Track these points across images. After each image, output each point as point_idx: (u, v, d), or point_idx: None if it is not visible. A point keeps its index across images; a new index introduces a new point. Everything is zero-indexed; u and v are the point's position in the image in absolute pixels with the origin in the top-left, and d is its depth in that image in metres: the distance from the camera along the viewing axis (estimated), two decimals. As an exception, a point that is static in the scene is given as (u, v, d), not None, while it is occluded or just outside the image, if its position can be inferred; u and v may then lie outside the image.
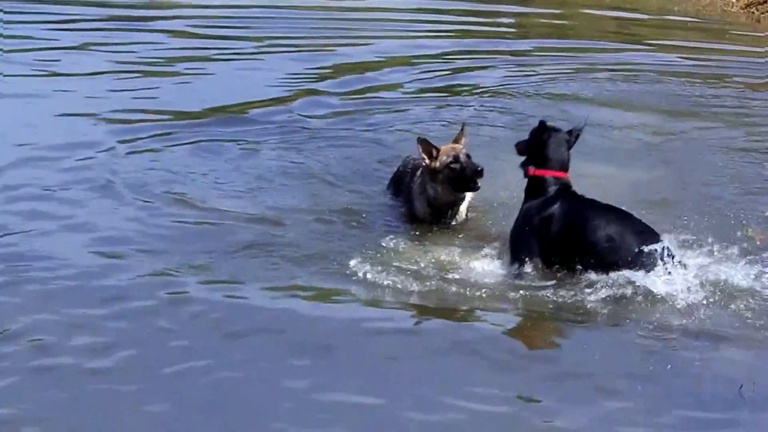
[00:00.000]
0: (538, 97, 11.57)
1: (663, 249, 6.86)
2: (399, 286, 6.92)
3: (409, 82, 12.21)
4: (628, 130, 10.33)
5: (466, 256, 7.39)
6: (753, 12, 15.77)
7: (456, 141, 8.05)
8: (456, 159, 7.83)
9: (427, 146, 7.91)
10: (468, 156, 7.87)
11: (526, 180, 7.30)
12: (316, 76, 12.39)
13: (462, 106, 11.29)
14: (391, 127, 10.48)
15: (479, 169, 7.72)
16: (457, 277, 7.08)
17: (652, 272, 6.81)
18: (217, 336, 6.35)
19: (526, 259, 7.08)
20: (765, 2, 15.66)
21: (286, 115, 10.80)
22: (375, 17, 15.27)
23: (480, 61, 13.26)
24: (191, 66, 12.62)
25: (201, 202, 8.33)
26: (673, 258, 6.86)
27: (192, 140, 9.89)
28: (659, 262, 6.81)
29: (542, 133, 7.23)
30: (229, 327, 6.44)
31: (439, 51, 13.67)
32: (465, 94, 11.77)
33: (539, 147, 7.23)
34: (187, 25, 14.44)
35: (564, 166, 7.23)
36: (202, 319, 6.53)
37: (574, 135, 7.29)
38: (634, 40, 14.68)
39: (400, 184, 8.40)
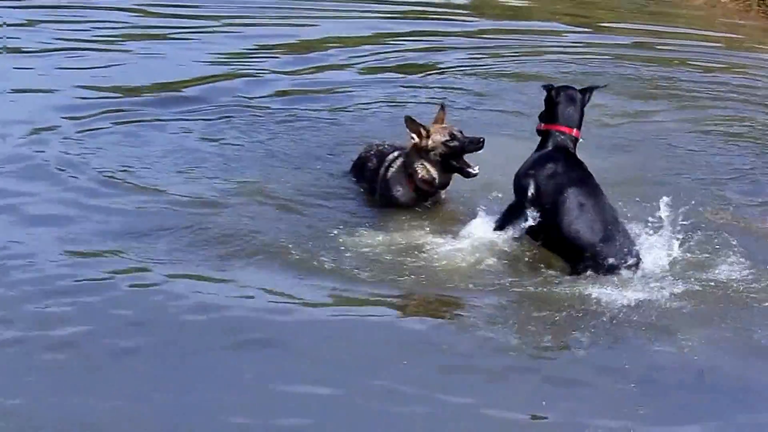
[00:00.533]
0: (494, 77, 11.43)
1: (625, 241, 6.90)
2: (355, 271, 6.79)
3: (360, 62, 11.98)
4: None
5: (428, 240, 7.26)
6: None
7: (437, 121, 7.83)
8: (453, 136, 7.62)
9: (414, 125, 7.70)
10: (461, 132, 7.68)
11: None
12: (266, 55, 12.18)
13: (416, 86, 11.12)
14: (344, 108, 10.26)
15: (481, 140, 7.56)
16: (416, 262, 6.95)
17: (611, 263, 6.81)
18: (154, 324, 6.19)
19: (520, 209, 7.12)
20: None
21: (232, 95, 10.54)
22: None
23: (434, 42, 13.10)
24: (141, 44, 12.33)
25: (140, 182, 8.11)
26: (633, 252, 6.85)
27: (136, 119, 9.68)
28: (620, 255, 6.81)
29: (551, 92, 7.32)
30: (165, 314, 6.29)
31: (390, 32, 13.46)
32: (419, 74, 11.59)
33: (549, 105, 7.32)
34: (137, 3, 14.11)
35: (570, 122, 7.27)
36: (137, 305, 6.38)
37: (587, 93, 7.37)
38: (587, 22, 14.56)
39: (362, 169, 8.19)
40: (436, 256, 7.03)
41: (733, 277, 6.78)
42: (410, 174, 7.75)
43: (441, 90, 10.82)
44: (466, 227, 7.27)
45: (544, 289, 6.70)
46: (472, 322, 6.45)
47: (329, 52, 12.37)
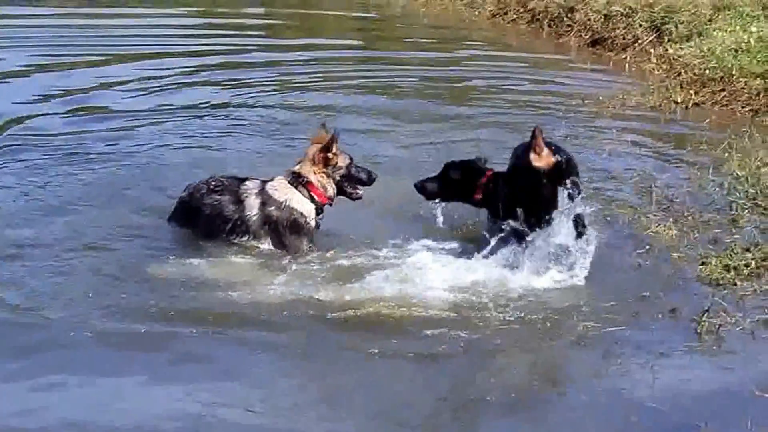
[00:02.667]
0: (292, 108, 11.32)
1: None
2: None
3: (150, 99, 11.70)
4: (382, 138, 10.25)
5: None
6: (500, 21, 16.08)
7: (320, 141, 7.58)
8: (352, 161, 7.62)
9: (327, 140, 7.52)
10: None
11: None
12: (59, 94, 11.75)
13: (213, 118, 10.90)
14: (132, 145, 9.94)
15: (375, 176, 7.64)
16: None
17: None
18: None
19: None
20: (506, 13, 15.98)
21: (28, 132, 10.15)
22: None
23: (229, 75, 12.93)
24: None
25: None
26: None
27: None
28: None
29: None
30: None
31: (180, 67, 13.23)
32: (214, 108, 11.37)
33: None
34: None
35: None
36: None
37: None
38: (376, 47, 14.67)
39: (197, 211, 7.64)
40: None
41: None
42: (310, 188, 7.53)
43: (243, 124, 10.63)
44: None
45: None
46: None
47: (118, 89, 12.07)
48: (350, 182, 7.62)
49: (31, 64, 13.04)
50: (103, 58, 13.57)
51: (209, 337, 6.27)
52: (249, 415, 5.50)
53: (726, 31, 12.49)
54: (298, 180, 7.54)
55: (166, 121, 10.73)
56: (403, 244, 7.45)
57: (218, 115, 10.99)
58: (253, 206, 7.54)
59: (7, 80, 12.31)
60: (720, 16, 13.11)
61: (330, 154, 7.54)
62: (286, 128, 10.44)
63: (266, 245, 7.56)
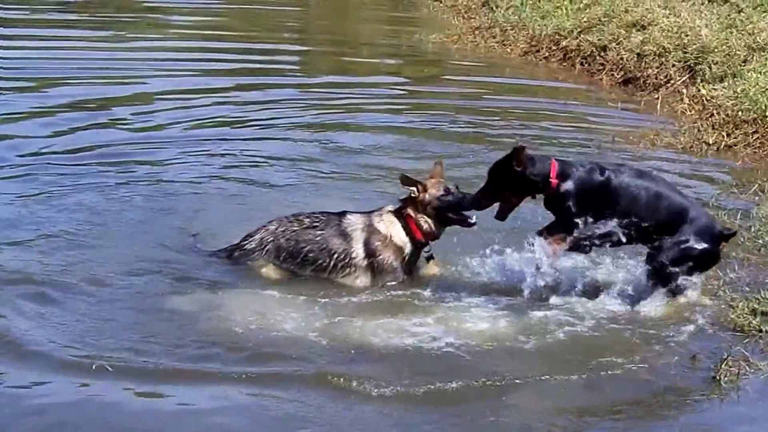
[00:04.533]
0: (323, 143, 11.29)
1: None
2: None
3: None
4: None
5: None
6: (532, 58, 16.01)
7: (433, 176, 7.65)
8: (447, 191, 7.58)
9: (410, 181, 7.60)
10: (456, 188, 7.62)
11: None
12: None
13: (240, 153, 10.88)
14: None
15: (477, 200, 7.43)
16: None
17: None
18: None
19: None
20: (539, 51, 15.91)
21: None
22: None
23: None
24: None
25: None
26: None
27: None
28: None
29: None
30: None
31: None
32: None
33: None
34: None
35: None
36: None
37: None
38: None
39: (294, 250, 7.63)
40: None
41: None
42: (411, 227, 7.58)
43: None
44: None
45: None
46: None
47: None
48: (451, 211, 7.56)
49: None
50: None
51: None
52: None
53: (760, 72, 12.34)
54: (400, 212, 7.61)
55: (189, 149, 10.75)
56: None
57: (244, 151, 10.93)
58: (359, 240, 7.57)
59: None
60: (755, 57, 12.97)
61: (413, 193, 7.58)
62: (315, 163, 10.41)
63: (366, 280, 7.56)
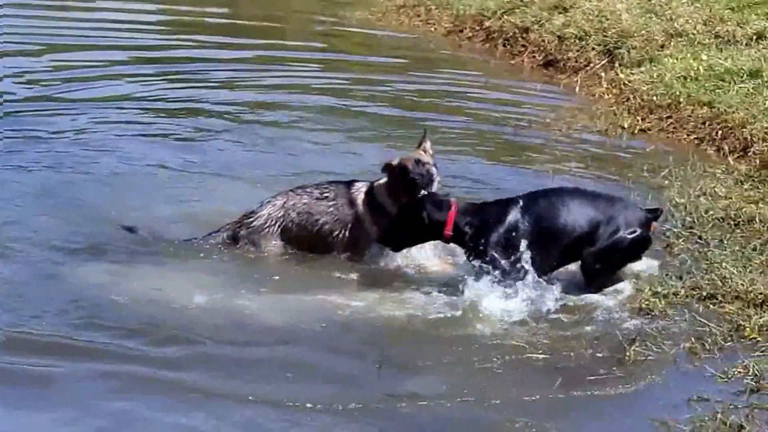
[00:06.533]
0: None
1: None
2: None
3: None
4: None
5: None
6: (455, 38, 16.02)
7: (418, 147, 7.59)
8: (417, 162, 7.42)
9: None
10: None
11: None
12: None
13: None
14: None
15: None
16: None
17: None
18: None
19: None
20: (462, 30, 15.92)
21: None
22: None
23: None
24: None
25: None
26: None
27: None
28: None
29: None
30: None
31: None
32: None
33: None
34: None
35: None
36: None
37: None
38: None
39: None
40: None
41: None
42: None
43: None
44: None
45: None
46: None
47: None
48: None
49: None
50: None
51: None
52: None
53: (677, 58, 12.51)
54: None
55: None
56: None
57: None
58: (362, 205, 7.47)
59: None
60: (672, 43, 13.13)
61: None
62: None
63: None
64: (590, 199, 7.35)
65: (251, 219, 7.57)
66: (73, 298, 6.86)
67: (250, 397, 5.86)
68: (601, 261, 7.18)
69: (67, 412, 5.69)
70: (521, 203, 7.19)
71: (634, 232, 7.22)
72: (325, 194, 7.54)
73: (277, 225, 7.53)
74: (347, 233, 7.46)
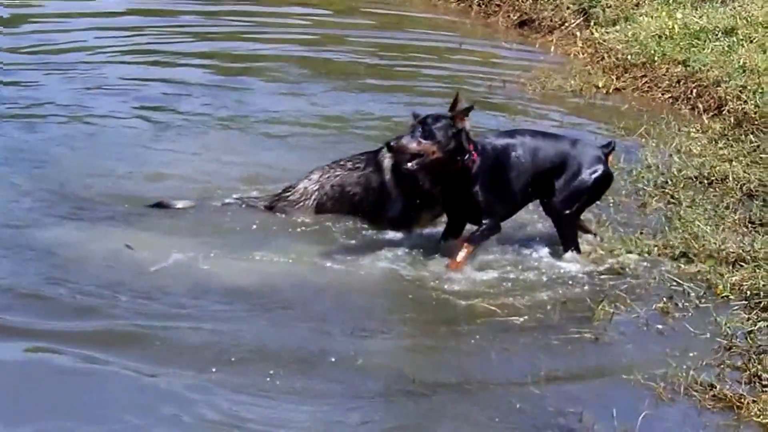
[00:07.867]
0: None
1: None
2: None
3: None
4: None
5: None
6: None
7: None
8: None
9: None
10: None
11: None
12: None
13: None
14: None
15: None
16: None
17: None
18: None
19: None
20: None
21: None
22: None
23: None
24: None
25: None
26: None
27: None
28: None
29: None
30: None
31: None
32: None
33: None
34: None
35: None
36: None
37: None
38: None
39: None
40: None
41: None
42: None
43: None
44: None
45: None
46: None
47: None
48: None
49: None
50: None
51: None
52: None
53: (652, 17, 12.45)
54: None
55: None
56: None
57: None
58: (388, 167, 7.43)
59: None
60: (647, 2, 13.06)
61: None
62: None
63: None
64: (553, 138, 7.39)
65: (288, 193, 7.67)
66: (41, 256, 6.84)
67: (220, 359, 5.80)
68: (569, 205, 7.15)
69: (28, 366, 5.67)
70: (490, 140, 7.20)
71: (596, 171, 7.19)
72: (357, 165, 7.63)
73: (312, 199, 7.62)
74: (375, 198, 7.51)
